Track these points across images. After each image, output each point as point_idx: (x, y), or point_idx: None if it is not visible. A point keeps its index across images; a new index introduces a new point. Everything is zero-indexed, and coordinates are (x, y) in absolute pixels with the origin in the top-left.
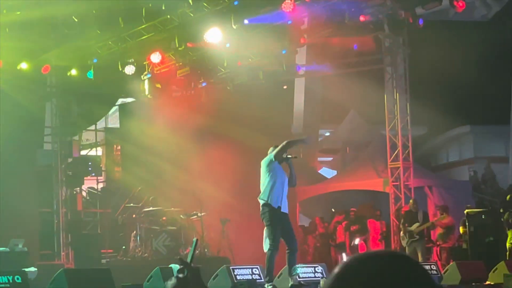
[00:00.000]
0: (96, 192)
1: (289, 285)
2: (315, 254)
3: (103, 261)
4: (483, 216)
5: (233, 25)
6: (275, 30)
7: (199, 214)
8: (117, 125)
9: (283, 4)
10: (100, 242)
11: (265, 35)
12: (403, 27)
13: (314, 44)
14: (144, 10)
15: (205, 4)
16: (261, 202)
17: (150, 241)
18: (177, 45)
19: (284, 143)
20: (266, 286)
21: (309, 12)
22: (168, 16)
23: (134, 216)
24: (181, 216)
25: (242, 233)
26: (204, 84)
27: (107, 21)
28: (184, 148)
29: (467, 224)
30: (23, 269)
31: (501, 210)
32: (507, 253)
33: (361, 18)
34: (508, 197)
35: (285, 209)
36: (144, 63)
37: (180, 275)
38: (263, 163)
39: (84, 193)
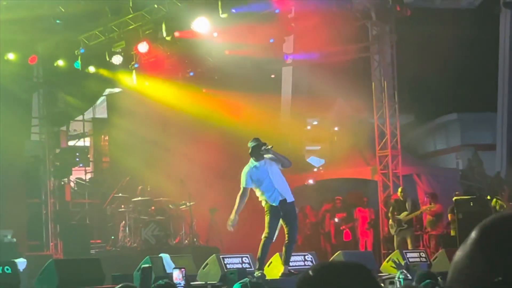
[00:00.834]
0: (84, 182)
1: (280, 273)
2: (304, 243)
3: (92, 251)
4: (471, 203)
5: (220, 14)
6: (262, 19)
7: (188, 203)
8: (105, 116)
9: None
10: (88, 233)
11: (252, 24)
12: (390, 15)
13: (302, 33)
14: (131, 0)
15: None
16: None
17: (139, 231)
18: (164, 35)
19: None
20: (255, 273)
21: (297, 1)
22: (156, 6)
23: (122, 206)
24: (170, 206)
25: None
26: (191, 74)
27: (94, 11)
28: (172, 138)
29: (455, 211)
30: (12, 260)
31: (488, 197)
32: None
33: (348, 6)
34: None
35: (288, 199)
36: (132, 53)
37: None
38: (249, 172)
39: (72, 184)
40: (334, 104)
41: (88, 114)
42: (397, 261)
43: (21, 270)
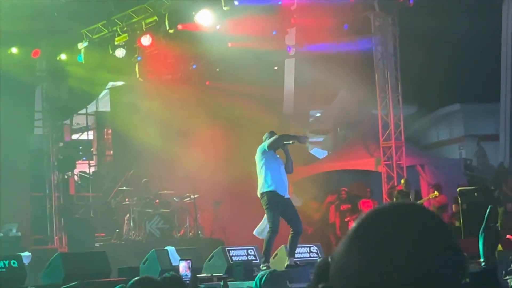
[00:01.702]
0: (88, 176)
1: (285, 265)
2: (308, 234)
3: (97, 244)
4: (475, 194)
5: (223, 7)
6: (265, 11)
7: (192, 196)
8: (108, 109)
9: None
10: (93, 226)
11: (255, 16)
12: (393, 7)
13: (304, 25)
14: None
15: None
16: (260, 191)
17: (144, 224)
18: (167, 28)
19: (278, 136)
20: (261, 266)
21: None
22: None
23: (127, 199)
24: (174, 198)
25: (235, 215)
26: (194, 66)
27: (97, 5)
28: (176, 131)
29: (459, 202)
30: (17, 253)
31: (492, 188)
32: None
33: None
34: None
35: (285, 194)
36: (135, 46)
37: None
38: (258, 151)
39: (75, 177)
40: (337, 96)
41: (91, 108)
42: None
43: (26, 263)
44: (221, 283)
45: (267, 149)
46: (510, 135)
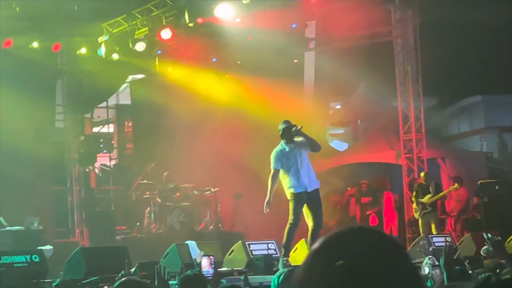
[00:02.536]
0: (108, 169)
1: None
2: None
3: (118, 238)
4: (496, 187)
5: (243, 0)
6: (285, 4)
7: (212, 189)
8: (128, 102)
9: None
10: (114, 219)
11: (275, 9)
12: None
13: (324, 18)
14: None
15: None
16: (287, 195)
17: (164, 218)
18: (187, 21)
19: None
20: (281, 259)
21: None
22: None
23: (147, 193)
24: (195, 192)
25: (256, 208)
26: (214, 60)
27: None
28: (196, 124)
29: (480, 194)
30: (39, 247)
31: None
32: None
33: None
34: None
35: (312, 186)
36: (155, 39)
37: None
38: (272, 158)
39: (96, 170)
40: (357, 88)
41: (112, 101)
42: (424, 244)
43: (48, 257)
44: (242, 277)
45: (287, 148)
46: None
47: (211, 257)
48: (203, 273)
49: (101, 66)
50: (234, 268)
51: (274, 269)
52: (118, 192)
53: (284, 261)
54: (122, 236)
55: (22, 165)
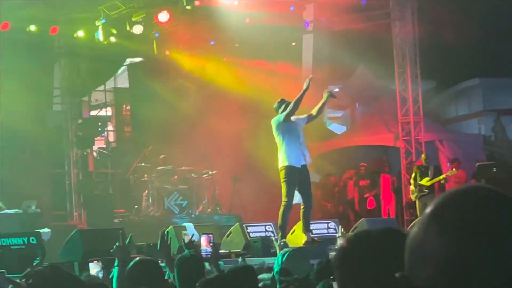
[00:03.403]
0: (106, 152)
1: (303, 241)
2: (326, 210)
3: (116, 221)
4: (494, 169)
5: None
6: None
7: (210, 172)
8: (126, 85)
9: None
10: (112, 202)
11: None
12: None
13: (322, 0)
14: None
15: None
16: (279, 166)
17: (162, 200)
18: (185, 4)
19: (291, 105)
20: (275, 241)
21: None
22: None
23: (145, 176)
24: (193, 175)
25: (254, 191)
26: (212, 43)
27: None
28: (193, 107)
29: (478, 177)
30: (36, 230)
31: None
32: None
33: None
34: None
35: (302, 162)
36: (152, 22)
37: None
38: (272, 124)
39: (94, 154)
40: (355, 71)
41: (109, 84)
42: None
43: (46, 240)
44: (239, 259)
45: (282, 122)
46: None
47: (210, 235)
48: (202, 251)
49: (98, 49)
50: (232, 250)
51: (272, 250)
52: (116, 175)
53: (282, 243)
54: (120, 219)
55: (20, 148)
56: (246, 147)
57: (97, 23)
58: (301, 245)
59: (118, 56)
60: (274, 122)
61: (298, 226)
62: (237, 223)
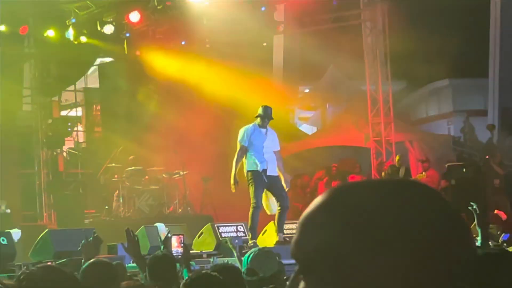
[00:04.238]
0: (77, 152)
1: (275, 241)
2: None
3: (86, 221)
4: (464, 170)
5: None
6: None
7: (181, 172)
8: (97, 85)
9: None
10: (82, 203)
11: None
12: None
13: (293, 1)
14: None
15: None
16: (245, 170)
17: (133, 201)
18: (155, 3)
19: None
20: (249, 243)
21: None
22: None
23: (116, 176)
24: (164, 175)
25: (225, 191)
26: (183, 43)
27: None
28: (164, 107)
29: (448, 177)
30: (7, 230)
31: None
32: None
33: None
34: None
35: (272, 171)
36: (123, 22)
37: None
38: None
39: (65, 154)
40: (326, 72)
41: (80, 84)
42: None
43: (16, 240)
44: (211, 259)
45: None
46: (498, 110)
47: (180, 236)
48: (173, 252)
49: (69, 49)
50: (203, 251)
51: (243, 251)
52: (87, 176)
53: (251, 244)
54: (91, 219)
55: None
56: (218, 147)
57: (67, 23)
58: (273, 245)
59: (89, 56)
60: (239, 133)
61: (269, 226)
62: (209, 223)
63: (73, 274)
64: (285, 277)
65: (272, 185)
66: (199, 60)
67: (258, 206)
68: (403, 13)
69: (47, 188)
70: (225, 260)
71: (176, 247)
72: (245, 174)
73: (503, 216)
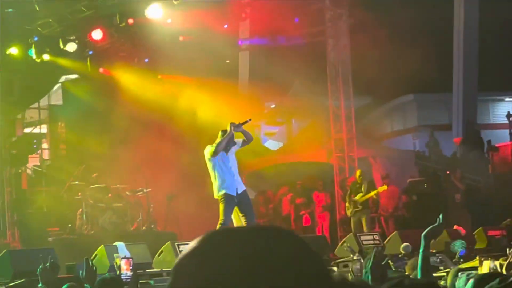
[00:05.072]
0: (41, 170)
1: None
2: None
3: (50, 239)
4: (425, 185)
5: (173, 0)
6: (216, 5)
7: (144, 190)
8: (60, 102)
9: None
10: (46, 221)
11: (206, 9)
12: None
13: (257, 18)
14: None
15: None
16: (215, 196)
17: (96, 219)
18: (118, 22)
19: (216, 146)
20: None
21: None
22: None
23: (79, 194)
24: (127, 192)
25: (188, 208)
26: (146, 60)
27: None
28: (129, 124)
29: (409, 193)
30: None
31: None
32: None
33: None
34: None
35: (241, 188)
36: (86, 40)
37: None
38: (205, 154)
39: (28, 171)
40: (290, 88)
41: (44, 101)
42: (349, 247)
43: None
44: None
45: (211, 157)
46: (463, 125)
47: (130, 259)
48: (122, 275)
49: (32, 67)
50: (163, 269)
51: None
52: (50, 193)
53: None
54: (54, 237)
55: None
56: (181, 165)
57: (30, 41)
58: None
59: (52, 74)
60: (205, 153)
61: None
62: (169, 242)
63: None
64: None
65: (241, 202)
66: (163, 78)
67: (226, 224)
68: (366, 29)
69: (10, 206)
70: None
71: (125, 270)
72: (215, 192)
73: (462, 231)
